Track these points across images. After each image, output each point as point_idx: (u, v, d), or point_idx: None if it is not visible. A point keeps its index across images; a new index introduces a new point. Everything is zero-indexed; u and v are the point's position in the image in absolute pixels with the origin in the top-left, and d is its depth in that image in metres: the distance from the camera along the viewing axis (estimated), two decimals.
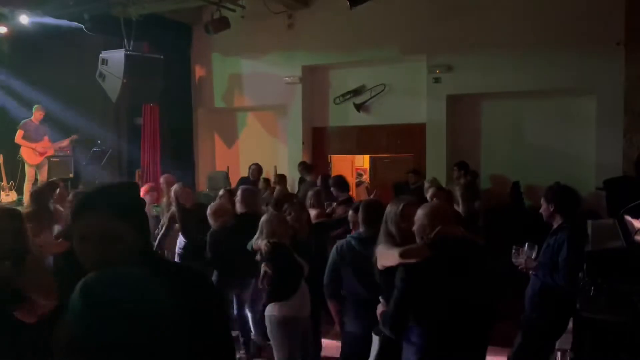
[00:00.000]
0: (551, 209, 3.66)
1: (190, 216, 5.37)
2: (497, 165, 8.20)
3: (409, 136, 8.91)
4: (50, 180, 6.57)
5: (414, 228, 2.67)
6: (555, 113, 7.90)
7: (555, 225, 3.64)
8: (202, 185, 10.11)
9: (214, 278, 4.68)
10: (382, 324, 2.64)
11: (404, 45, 8.52)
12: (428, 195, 5.19)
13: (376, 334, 2.99)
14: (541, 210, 3.76)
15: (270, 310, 3.76)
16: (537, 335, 3.64)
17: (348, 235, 3.59)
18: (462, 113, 8.47)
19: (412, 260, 2.51)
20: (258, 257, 3.85)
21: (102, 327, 1.18)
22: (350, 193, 7.03)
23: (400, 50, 8.59)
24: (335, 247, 3.54)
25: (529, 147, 7.99)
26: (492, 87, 8.09)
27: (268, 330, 3.81)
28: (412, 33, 8.39)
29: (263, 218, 3.93)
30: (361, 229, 3.51)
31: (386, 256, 2.73)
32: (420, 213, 2.66)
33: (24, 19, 7.79)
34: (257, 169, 8.53)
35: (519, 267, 3.59)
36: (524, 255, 3.54)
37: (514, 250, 3.58)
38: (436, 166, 8.32)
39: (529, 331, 3.67)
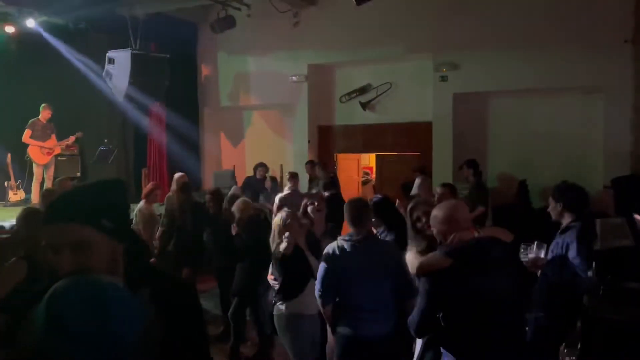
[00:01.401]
0: (559, 208, 3.63)
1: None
2: (503, 164, 8.17)
3: (415, 135, 8.88)
4: (61, 179, 6.60)
5: (434, 233, 2.65)
6: (563, 111, 7.86)
7: (564, 224, 3.62)
8: (209, 184, 10.12)
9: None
10: (409, 327, 2.63)
11: (410, 43, 8.50)
12: (436, 196, 5.16)
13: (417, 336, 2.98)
14: (549, 209, 3.73)
15: (277, 309, 3.76)
16: (544, 334, 3.62)
17: (339, 238, 3.43)
18: (469, 111, 8.44)
19: (431, 271, 2.49)
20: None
21: (63, 341, 1.14)
22: (357, 192, 7.03)
23: (406, 48, 8.57)
24: (327, 249, 3.38)
25: (536, 146, 7.95)
26: (499, 85, 8.05)
27: (277, 329, 3.80)
28: (418, 31, 8.36)
29: (278, 216, 3.88)
30: (351, 230, 3.38)
31: (412, 266, 2.73)
32: (434, 218, 2.62)
33: (31, 23, 7.82)
34: (263, 169, 8.53)
35: (528, 266, 3.57)
36: (533, 254, 3.51)
37: (522, 250, 3.56)
38: (442, 164, 8.30)
39: (536, 330, 3.65)
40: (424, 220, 3.08)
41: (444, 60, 8.33)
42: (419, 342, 3.11)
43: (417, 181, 7.70)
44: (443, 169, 8.21)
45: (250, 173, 8.94)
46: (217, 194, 5.61)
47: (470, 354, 2.47)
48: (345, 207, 3.46)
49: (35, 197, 8.23)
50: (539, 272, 3.63)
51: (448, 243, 2.53)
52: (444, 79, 8.38)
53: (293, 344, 3.74)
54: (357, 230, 3.34)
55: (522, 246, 3.60)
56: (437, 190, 5.29)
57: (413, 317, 2.58)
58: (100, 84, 8.65)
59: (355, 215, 3.37)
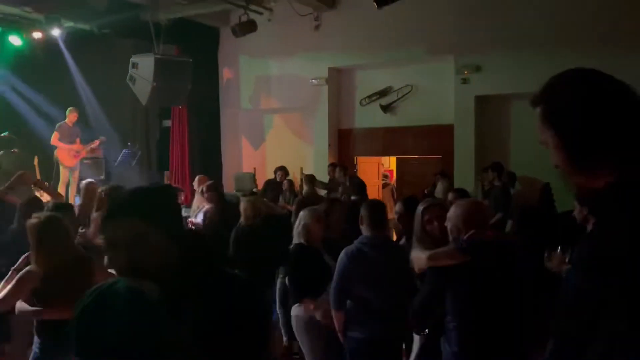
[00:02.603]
0: (585, 212, 3.56)
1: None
2: (526, 167, 8.03)
3: (436, 137, 8.82)
4: (87, 181, 6.72)
5: (448, 227, 2.64)
6: None
7: (589, 228, 3.55)
8: (229, 186, 10.20)
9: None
10: (409, 315, 2.64)
11: (431, 45, 8.45)
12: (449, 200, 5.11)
13: (417, 333, 2.98)
14: (574, 213, 3.67)
15: (296, 311, 3.76)
16: (570, 341, 3.56)
17: (356, 241, 3.41)
18: (491, 114, 8.35)
19: (442, 264, 2.49)
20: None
21: (86, 339, 1.23)
22: (377, 195, 7.02)
23: (428, 50, 8.52)
24: (344, 252, 3.36)
25: None
26: (522, 87, 7.91)
27: (295, 331, 3.80)
28: (439, 33, 8.31)
29: (300, 215, 3.85)
30: (367, 233, 3.37)
31: (417, 260, 2.71)
32: (453, 213, 2.62)
33: (56, 30, 7.99)
34: (283, 172, 8.56)
35: (552, 269, 3.51)
36: (557, 259, 3.45)
37: (546, 254, 3.51)
38: (464, 168, 8.23)
39: (561, 337, 3.59)
40: (435, 223, 3.03)
41: (466, 62, 8.26)
42: (416, 342, 3.08)
43: (440, 186, 7.64)
44: (464, 172, 8.14)
45: (271, 175, 8.99)
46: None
47: (471, 349, 2.48)
48: (363, 209, 3.44)
49: (61, 199, 8.39)
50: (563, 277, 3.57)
51: (466, 239, 2.52)
52: (465, 81, 8.30)
53: (310, 346, 3.73)
54: (376, 234, 3.34)
55: (546, 251, 3.55)
56: (449, 196, 5.24)
57: (412, 304, 2.59)
58: (124, 88, 8.80)
59: (375, 218, 3.36)
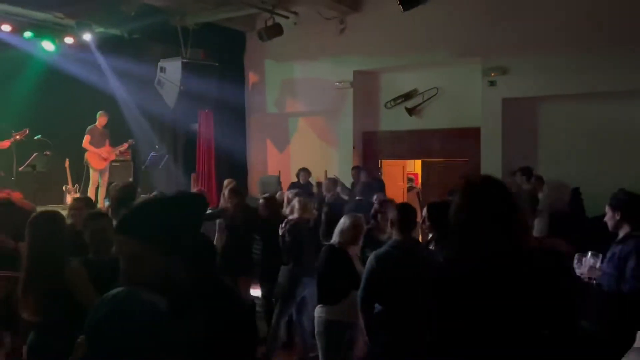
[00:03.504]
0: (617, 217, 3.49)
1: None
2: (555, 171, 7.88)
3: (463, 140, 8.72)
4: (115, 184, 6.87)
5: None
6: (620, 116, 7.54)
7: (621, 234, 3.47)
8: (255, 189, 10.28)
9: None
10: None
11: (458, 48, 8.38)
12: None
13: None
14: (606, 219, 3.59)
15: (319, 312, 3.76)
16: (599, 348, 3.48)
17: (386, 244, 3.43)
18: (519, 117, 8.22)
19: None
20: None
21: (92, 347, 1.27)
22: (402, 199, 6.98)
23: (454, 53, 8.45)
24: (373, 255, 3.37)
25: (590, 152, 7.65)
26: (551, 90, 7.81)
27: (315, 331, 3.81)
28: (466, 35, 8.24)
29: (342, 220, 3.88)
30: (397, 236, 3.37)
31: None
32: None
33: (88, 35, 8.19)
34: (306, 173, 8.59)
35: (582, 277, 3.45)
36: (587, 265, 3.39)
37: (576, 260, 3.44)
38: (491, 171, 8.03)
39: (592, 344, 3.51)
40: None
41: (493, 64, 8.16)
42: None
43: None
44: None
45: (296, 179, 9.03)
46: (271, 200, 5.68)
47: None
48: (395, 211, 3.48)
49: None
50: (594, 283, 3.50)
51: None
52: (492, 83, 8.20)
53: (327, 349, 3.73)
54: (405, 237, 3.33)
55: (576, 256, 3.48)
56: None
57: None
58: (152, 92, 8.96)
59: (405, 221, 3.36)
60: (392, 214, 3.53)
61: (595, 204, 6.98)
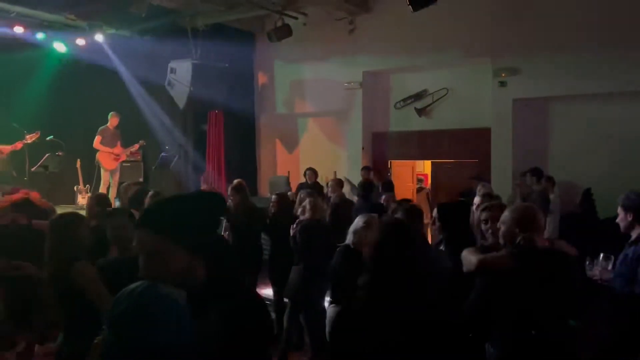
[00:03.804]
0: (629, 218, 3.44)
1: None
2: (566, 172, 7.83)
3: (473, 141, 8.68)
4: (126, 184, 6.90)
5: (500, 231, 2.59)
6: (632, 116, 7.46)
7: (634, 236, 3.43)
8: (264, 189, 10.30)
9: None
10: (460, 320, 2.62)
11: (468, 48, 8.34)
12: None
13: None
14: (618, 220, 3.55)
15: (332, 311, 3.75)
16: (610, 351, 3.44)
17: None
18: (529, 117, 8.17)
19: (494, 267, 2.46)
20: None
21: (113, 339, 1.29)
22: (412, 199, 6.96)
23: (464, 53, 8.41)
24: None
25: (602, 152, 7.58)
26: (562, 90, 7.75)
27: (327, 331, 3.78)
28: (476, 36, 8.20)
29: (356, 220, 3.87)
30: None
31: (467, 261, 2.67)
32: (509, 217, 2.56)
33: (100, 34, 8.26)
34: (312, 173, 8.59)
35: (594, 279, 3.42)
36: (599, 267, 3.36)
37: (588, 262, 3.42)
38: (501, 172, 8.07)
39: (603, 347, 3.48)
40: (489, 224, 2.98)
41: (503, 64, 8.11)
42: None
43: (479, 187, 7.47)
44: (502, 176, 7.98)
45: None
46: (283, 197, 5.68)
47: (517, 356, 2.45)
48: (400, 214, 3.50)
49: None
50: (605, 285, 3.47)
51: (519, 245, 2.47)
52: (503, 84, 8.16)
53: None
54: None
55: (588, 259, 3.46)
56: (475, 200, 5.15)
57: (464, 310, 2.57)
58: (162, 93, 9.01)
59: (412, 220, 3.39)
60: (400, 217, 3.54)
61: (607, 205, 6.92)
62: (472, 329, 2.59)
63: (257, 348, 1.53)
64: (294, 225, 4.98)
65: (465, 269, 2.73)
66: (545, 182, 6.98)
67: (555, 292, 2.45)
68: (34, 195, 5.17)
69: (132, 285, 1.35)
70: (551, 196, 6.89)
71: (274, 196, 5.74)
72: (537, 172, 6.94)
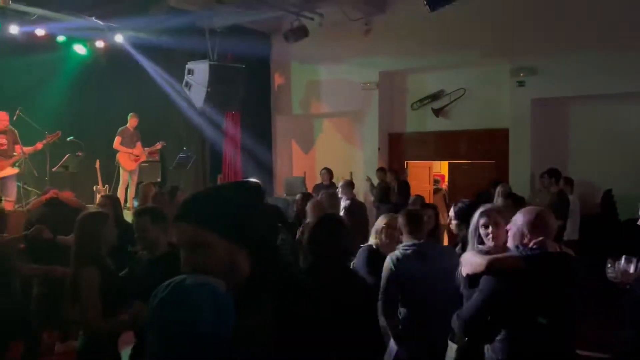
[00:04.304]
0: None
1: None
2: (586, 173, 7.72)
3: (490, 142, 8.61)
4: (144, 183, 6.99)
5: (511, 232, 2.56)
6: None
7: None
8: (280, 190, 10.33)
9: None
10: (456, 326, 2.58)
11: (485, 48, 8.28)
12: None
13: (453, 341, 2.92)
14: (639, 222, 3.50)
15: None
16: (633, 355, 3.39)
17: (399, 247, 3.46)
18: (548, 117, 8.08)
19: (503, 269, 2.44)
20: None
21: (154, 332, 1.26)
22: (428, 201, 6.92)
23: (481, 53, 8.35)
24: (389, 258, 3.39)
25: (623, 153, 7.47)
26: (582, 90, 7.65)
27: None
28: (493, 35, 8.13)
29: (379, 219, 3.88)
30: (408, 240, 3.42)
31: (473, 263, 2.64)
32: (520, 219, 2.54)
33: (119, 38, 8.36)
34: (327, 173, 8.59)
35: (616, 282, 3.36)
36: (621, 270, 3.30)
37: (609, 265, 3.35)
38: (519, 173, 7.99)
39: (625, 352, 3.42)
40: (490, 229, 2.96)
41: (522, 64, 8.03)
42: (451, 348, 3.00)
43: (499, 189, 7.40)
44: (520, 177, 7.90)
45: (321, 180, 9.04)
46: (307, 197, 5.69)
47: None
48: (401, 216, 3.53)
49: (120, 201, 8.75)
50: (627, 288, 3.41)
51: (530, 247, 2.44)
52: (521, 84, 8.08)
53: None
54: (417, 238, 3.39)
55: (609, 261, 3.40)
56: (498, 201, 5.10)
57: (462, 313, 2.53)
58: (180, 94, 9.09)
59: (412, 225, 3.42)
60: (400, 221, 3.56)
61: (628, 207, 6.81)
62: (471, 331, 2.55)
63: (315, 341, 1.41)
64: (300, 228, 4.97)
65: (468, 270, 2.69)
66: (563, 184, 6.89)
67: (564, 295, 2.43)
68: (66, 195, 5.27)
69: (171, 279, 1.33)
70: (570, 197, 6.80)
71: (298, 195, 5.76)
72: (555, 173, 6.85)
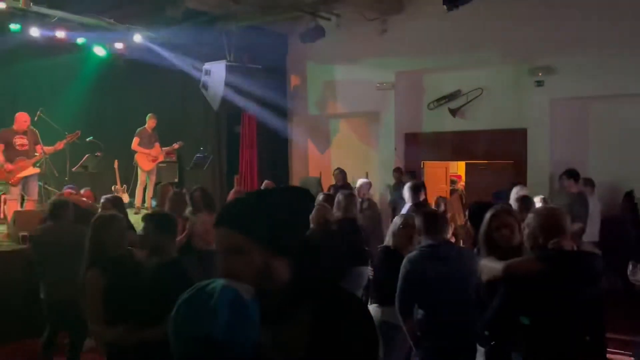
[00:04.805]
0: None
1: None
2: (607, 174, 7.60)
3: (508, 142, 8.52)
4: (162, 184, 7.07)
5: (524, 234, 2.55)
6: None
7: None
8: None
9: None
10: (481, 330, 2.57)
11: (503, 47, 8.19)
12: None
13: (482, 345, 2.90)
14: None
15: (373, 312, 3.73)
16: None
17: (418, 247, 3.45)
18: (568, 118, 7.97)
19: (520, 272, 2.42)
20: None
21: (176, 338, 1.26)
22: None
23: (499, 52, 8.26)
24: (407, 259, 3.39)
25: None
26: (602, 90, 7.53)
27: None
28: (511, 35, 8.04)
29: (395, 220, 3.88)
30: (425, 240, 3.40)
31: (490, 270, 2.63)
32: (533, 220, 2.52)
33: (138, 37, 8.45)
34: (340, 173, 8.58)
35: (638, 284, 3.31)
36: None
37: (630, 266, 3.31)
38: (538, 174, 7.90)
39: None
40: (503, 231, 2.93)
41: (540, 63, 7.94)
42: (480, 353, 2.98)
43: (515, 190, 7.33)
44: (538, 178, 7.81)
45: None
46: (329, 198, 5.68)
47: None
48: (418, 217, 3.53)
49: (138, 201, 8.86)
50: None
51: (550, 247, 2.42)
52: (540, 83, 7.98)
53: (385, 355, 3.70)
54: (434, 239, 3.37)
55: (631, 263, 3.35)
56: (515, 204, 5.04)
57: (485, 318, 2.53)
58: (197, 94, 9.15)
59: (429, 225, 3.40)
60: (417, 221, 3.55)
61: None
62: (496, 336, 2.54)
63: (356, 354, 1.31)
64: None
65: (486, 277, 2.68)
66: (583, 185, 6.78)
67: (585, 293, 2.40)
68: (85, 195, 5.34)
69: (202, 283, 1.30)
70: (590, 199, 6.70)
71: (320, 196, 5.76)
72: (573, 174, 6.76)
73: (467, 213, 3.89)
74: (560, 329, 2.37)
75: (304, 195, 1.47)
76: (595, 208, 6.67)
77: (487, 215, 3.00)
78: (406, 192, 5.89)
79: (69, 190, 5.34)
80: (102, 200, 5.18)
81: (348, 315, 1.33)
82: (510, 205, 4.71)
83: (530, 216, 2.57)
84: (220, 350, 1.20)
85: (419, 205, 5.51)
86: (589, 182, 6.90)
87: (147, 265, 3.08)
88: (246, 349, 1.22)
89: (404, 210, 5.61)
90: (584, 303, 2.42)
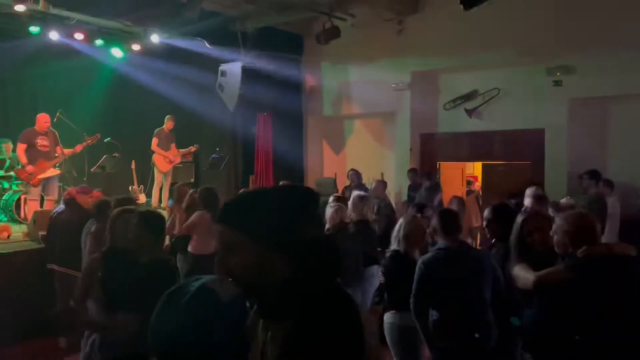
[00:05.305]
0: None
1: None
2: (626, 175, 7.47)
3: (525, 143, 8.43)
4: (178, 185, 7.12)
5: (554, 240, 2.51)
6: None
7: None
8: None
9: None
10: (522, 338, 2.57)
11: (520, 46, 8.10)
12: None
13: (526, 351, 2.88)
14: None
15: (391, 318, 3.71)
16: None
17: (433, 249, 3.44)
18: (586, 118, 7.86)
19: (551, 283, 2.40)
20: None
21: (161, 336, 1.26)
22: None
23: (516, 52, 8.18)
24: (421, 260, 3.38)
25: None
26: (622, 89, 7.41)
27: (387, 339, 3.74)
28: (529, 34, 7.95)
29: (400, 221, 3.85)
30: (441, 241, 3.38)
31: (523, 280, 2.61)
32: (560, 227, 2.48)
33: (155, 38, 8.53)
34: (354, 174, 8.56)
35: None
36: None
37: None
38: (556, 175, 7.80)
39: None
40: (535, 236, 2.90)
41: (558, 63, 7.84)
42: None
43: (529, 192, 7.24)
44: (557, 179, 7.71)
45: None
46: (342, 199, 5.68)
47: None
48: (436, 217, 3.51)
49: (155, 201, 8.94)
50: None
51: (579, 255, 2.38)
52: (558, 83, 7.88)
53: (402, 356, 3.68)
54: (450, 240, 3.34)
55: None
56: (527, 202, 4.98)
57: (524, 327, 2.51)
58: (213, 96, 9.21)
59: (447, 226, 3.38)
60: (433, 221, 3.53)
61: None
62: (536, 344, 2.52)
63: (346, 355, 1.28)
64: None
65: (520, 285, 2.67)
66: (603, 186, 6.68)
67: (618, 298, 2.36)
68: (96, 195, 5.40)
69: (189, 280, 1.33)
70: (609, 200, 6.59)
71: (331, 198, 5.75)
72: (595, 175, 6.65)
73: (488, 214, 3.81)
74: (602, 334, 2.33)
75: (306, 194, 1.45)
76: (614, 209, 6.56)
77: (519, 219, 2.97)
78: (423, 193, 5.86)
79: (74, 189, 5.43)
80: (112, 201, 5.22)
81: (332, 317, 1.30)
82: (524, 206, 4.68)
83: (558, 222, 2.52)
84: (188, 349, 1.21)
85: (421, 206, 5.48)
86: (608, 183, 6.79)
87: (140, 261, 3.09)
88: (219, 348, 1.23)
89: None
90: (624, 310, 2.36)
